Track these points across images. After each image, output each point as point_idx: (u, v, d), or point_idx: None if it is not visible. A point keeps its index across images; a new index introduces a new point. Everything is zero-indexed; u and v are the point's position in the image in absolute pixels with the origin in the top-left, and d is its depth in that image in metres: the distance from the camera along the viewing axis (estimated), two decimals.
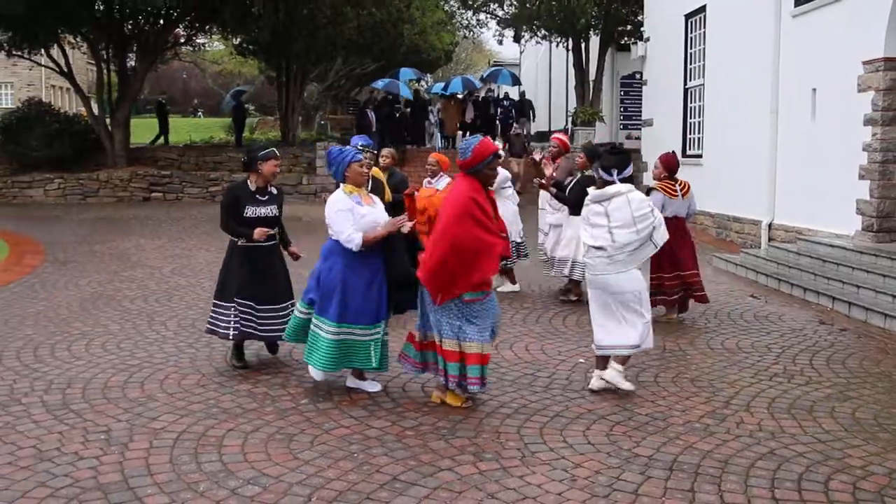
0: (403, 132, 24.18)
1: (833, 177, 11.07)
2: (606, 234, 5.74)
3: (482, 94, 28.61)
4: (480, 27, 36.63)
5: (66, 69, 22.09)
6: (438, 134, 26.16)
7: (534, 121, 26.62)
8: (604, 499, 4.18)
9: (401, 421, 5.28)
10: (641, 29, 20.46)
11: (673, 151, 8.68)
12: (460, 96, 25.44)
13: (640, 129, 21.06)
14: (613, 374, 5.87)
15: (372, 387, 5.90)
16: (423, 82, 40.52)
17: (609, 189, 5.81)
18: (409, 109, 25.17)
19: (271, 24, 21.26)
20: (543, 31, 26.13)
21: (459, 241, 5.29)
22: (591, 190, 6.14)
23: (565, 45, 26.51)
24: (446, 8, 32.62)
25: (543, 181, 9.05)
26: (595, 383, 5.92)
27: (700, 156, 15.73)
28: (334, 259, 5.65)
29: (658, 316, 7.91)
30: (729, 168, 14.25)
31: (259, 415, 5.38)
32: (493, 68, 31.59)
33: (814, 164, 11.64)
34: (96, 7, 21.09)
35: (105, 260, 11.80)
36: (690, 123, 16.65)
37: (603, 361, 5.93)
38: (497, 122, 25.66)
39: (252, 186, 6.31)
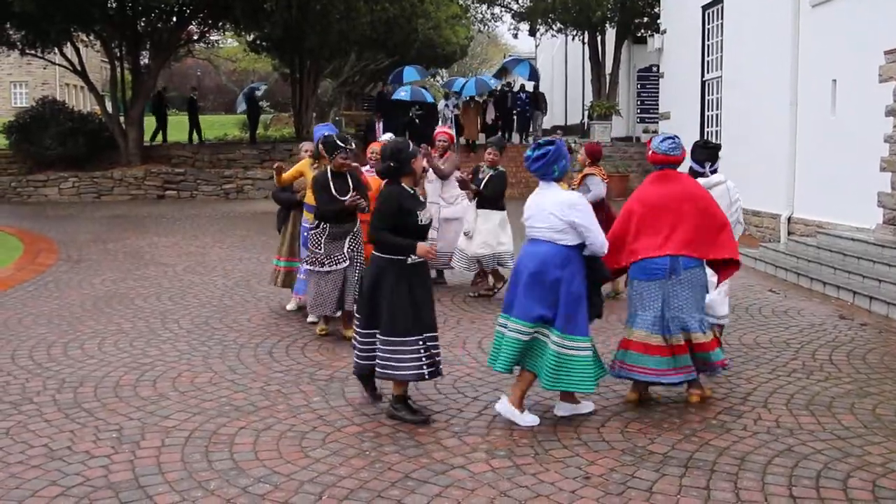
0: (417, 139, 23.19)
1: (854, 169, 10.93)
2: None
3: (499, 88, 28.34)
4: (495, 21, 36.53)
5: (79, 67, 22.18)
6: (457, 146, 24.85)
7: (546, 114, 26.40)
8: (618, 496, 4.12)
9: None
10: (658, 21, 20.31)
11: (598, 141, 9.47)
12: (479, 99, 25.09)
13: (657, 122, 20.94)
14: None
15: (587, 407, 5.39)
16: (436, 78, 40.32)
17: (711, 179, 6.27)
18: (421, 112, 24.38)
19: (283, 19, 21.23)
20: (559, 25, 25.98)
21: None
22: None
23: (581, 38, 26.36)
24: (460, 2, 32.52)
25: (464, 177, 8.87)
26: None
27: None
28: (575, 267, 5.09)
29: None
30: (747, 161, 14.10)
31: (271, 413, 5.34)
32: (513, 57, 31.15)
33: (834, 157, 11.50)
34: (109, 5, 21.15)
35: (119, 258, 11.82)
36: (708, 116, 16.51)
37: None
38: (514, 116, 25.42)
39: (409, 190, 5.33)
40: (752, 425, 5.11)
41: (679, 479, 4.31)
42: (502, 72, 31.39)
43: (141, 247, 12.89)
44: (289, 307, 8.38)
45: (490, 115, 24.54)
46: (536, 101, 25.37)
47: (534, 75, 24.43)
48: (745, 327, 7.72)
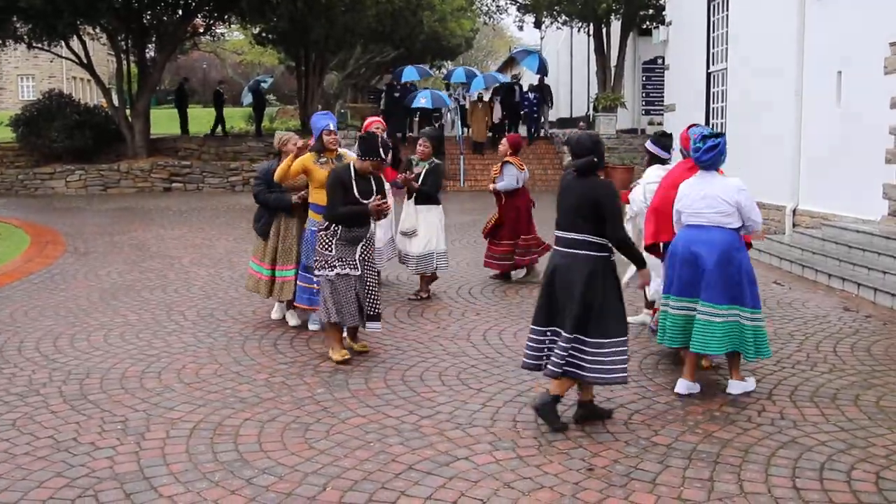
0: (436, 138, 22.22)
1: (859, 161, 10.89)
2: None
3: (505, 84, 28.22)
4: (500, 13, 36.44)
5: (85, 61, 22.22)
6: (461, 138, 23.44)
7: (551, 107, 26.30)
8: (621, 488, 4.12)
9: (418, 410, 5.24)
10: (663, 13, 20.23)
11: (518, 133, 10.07)
12: (486, 97, 24.90)
13: (662, 114, 20.88)
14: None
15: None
16: (441, 70, 40.17)
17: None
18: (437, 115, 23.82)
19: (289, 12, 21.26)
20: (564, 17, 25.89)
21: None
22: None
23: (586, 30, 26.28)
24: None
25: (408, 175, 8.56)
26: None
27: None
28: (745, 248, 5.58)
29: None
30: (752, 153, 14.06)
31: (276, 404, 5.36)
32: (520, 48, 30.88)
33: (839, 149, 11.46)
34: None
35: (125, 250, 11.85)
36: (713, 108, 16.46)
37: None
38: (521, 111, 25.26)
39: None
40: (756, 417, 5.11)
41: (683, 471, 4.31)
42: (510, 62, 31.23)
43: (147, 239, 12.93)
44: (274, 315, 7.72)
45: (497, 115, 24.25)
46: (543, 96, 25.24)
47: (542, 68, 24.22)
48: None
